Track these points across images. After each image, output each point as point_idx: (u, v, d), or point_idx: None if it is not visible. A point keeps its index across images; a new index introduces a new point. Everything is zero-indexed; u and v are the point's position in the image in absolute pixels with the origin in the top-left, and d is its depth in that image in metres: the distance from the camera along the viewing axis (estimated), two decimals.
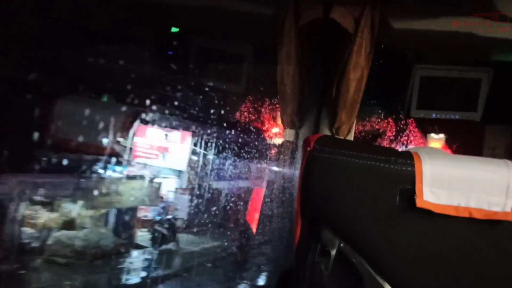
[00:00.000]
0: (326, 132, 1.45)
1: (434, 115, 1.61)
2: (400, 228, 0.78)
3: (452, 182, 0.75)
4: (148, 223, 4.71)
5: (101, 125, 2.46)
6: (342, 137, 1.41)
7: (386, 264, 0.78)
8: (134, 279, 3.82)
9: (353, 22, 1.31)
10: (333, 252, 0.80)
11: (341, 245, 0.80)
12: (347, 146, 0.83)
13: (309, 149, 0.82)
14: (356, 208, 0.79)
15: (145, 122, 3.22)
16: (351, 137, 1.47)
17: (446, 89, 1.57)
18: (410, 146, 2.32)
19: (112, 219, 4.16)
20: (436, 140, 2.06)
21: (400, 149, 0.84)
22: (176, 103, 2.93)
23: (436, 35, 1.37)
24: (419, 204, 0.74)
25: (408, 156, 0.78)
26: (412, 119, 1.89)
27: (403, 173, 0.76)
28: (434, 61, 1.55)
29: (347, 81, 1.34)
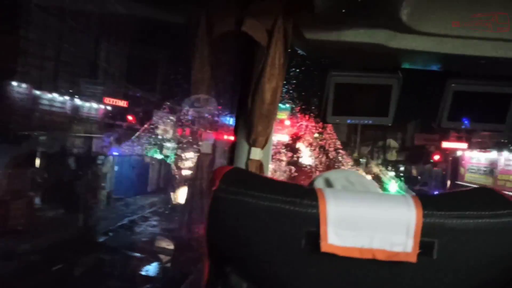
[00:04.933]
0: (244, 144, 1.54)
1: (349, 121, 1.75)
2: (306, 271, 0.81)
3: (357, 222, 0.78)
4: None
5: None
6: (256, 159, 1.51)
7: None
8: None
9: (266, 34, 1.40)
10: None
11: None
12: (254, 184, 0.85)
13: (214, 188, 0.83)
14: (263, 251, 0.81)
15: None
16: (269, 148, 1.56)
17: (360, 95, 1.72)
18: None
19: None
20: None
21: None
22: None
23: (348, 44, 1.50)
24: (323, 248, 0.76)
25: (313, 196, 0.80)
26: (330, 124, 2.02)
27: (308, 215, 0.78)
28: (348, 68, 1.68)
29: (262, 92, 1.44)
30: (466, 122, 1.76)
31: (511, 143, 19.96)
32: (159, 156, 21.10)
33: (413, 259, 0.77)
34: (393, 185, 23.27)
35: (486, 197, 0.86)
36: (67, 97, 16.18)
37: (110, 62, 17.60)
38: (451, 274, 0.81)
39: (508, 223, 0.79)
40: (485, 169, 21.25)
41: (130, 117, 20.42)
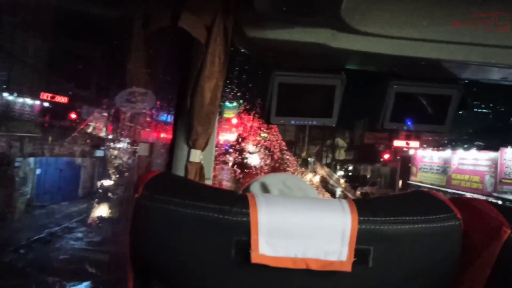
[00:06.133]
0: (183, 146, 1.56)
1: (293, 121, 1.83)
2: (237, 283, 0.81)
3: (290, 230, 0.78)
4: None
5: None
6: (196, 161, 1.53)
7: None
8: None
9: (205, 30, 1.43)
10: None
11: None
12: (182, 191, 0.85)
13: (136, 195, 0.82)
14: (190, 262, 0.81)
15: None
16: (211, 150, 1.59)
17: (304, 95, 1.79)
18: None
19: None
20: None
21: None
22: None
23: (291, 44, 1.55)
24: (254, 259, 0.77)
25: (245, 203, 0.80)
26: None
27: (238, 223, 0.78)
28: (291, 68, 1.74)
29: (202, 91, 1.47)
30: (408, 123, 1.89)
31: (465, 141, 20.69)
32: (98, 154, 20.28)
33: (348, 268, 0.78)
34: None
35: (422, 201, 0.89)
36: None
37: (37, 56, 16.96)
38: (387, 282, 0.83)
39: (444, 227, 0.83)
40: (438, 168, 21.60)
41: (73, 115, 19.60)
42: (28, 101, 17.31)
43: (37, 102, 17.88)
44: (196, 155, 1.54)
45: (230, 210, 0.79)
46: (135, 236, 0.83)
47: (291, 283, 0.81)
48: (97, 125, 19.86)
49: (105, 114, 19.52)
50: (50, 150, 17.91)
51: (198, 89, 1.47)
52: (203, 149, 1.55)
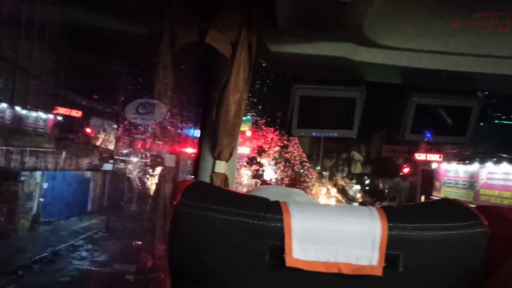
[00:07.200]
0: (208, 157, 1.67)
1: (314, 133, 1.93)
2: (270, 286, 0.88)
3: (321, 236, 0.85)
4: None
5: None
6: (221, 172, 1.63)
7: None
8: None
9: (230, 46, 1.55)
10: None
11: None
12: (217, 198, 0.92)
13: (175, 202, 0.89)
14: (225, 267, 0.88)
15: None
16: (234, 161, 1.69)
17: (324, 108, 1.89)
18: None
19: None
20: None
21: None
22: None
23: (313, 58, 1.65)
24: (288, 263, 0.82)
25: (277, 210, 0.86)
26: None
27: (272, 229, 0.85)
28: (312, 81, 1.84)
29: (227, 104, 1.58)
30: (428, 135, 1.97)
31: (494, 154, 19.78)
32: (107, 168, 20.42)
33: (379, 272, 0.84)
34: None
35: (449, 208, 0.94)
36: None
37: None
38: (416, 287, 0.89)
39: (471, 234, 0.87)
40: (464, 183, 21.06)
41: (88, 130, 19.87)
42: (42, 115, 17.59)
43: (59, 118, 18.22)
44: (221, 166, 1.65)
45: (264, 216, 0.85)
46: (173, 240, 0.89)
47: (322, 286, 0.87)
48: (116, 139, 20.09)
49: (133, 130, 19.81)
50: (60, 163, 17.95)
51: (224, 102, 1.58)
52: (227, 161, 1.66)
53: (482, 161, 20.47)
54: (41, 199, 17.33)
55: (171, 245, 0.89)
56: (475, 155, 21.10)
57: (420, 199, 24.67)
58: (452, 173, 22.26)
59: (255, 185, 19.68)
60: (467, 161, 21.52)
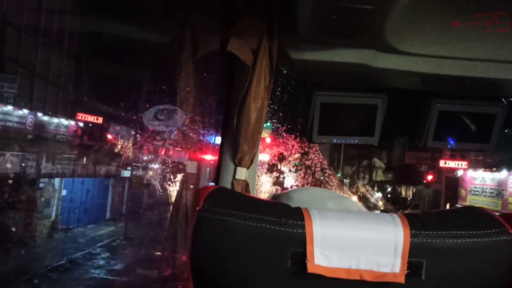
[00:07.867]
0: (229, 163, 1.71)
1: (335, 140, 1.95)
2: None
3: (343, 243, 0.85)
4: None
5: None
6: (242, 178, 1.67)
7: None
8: None
9: (251, 54, 1.59)
10: None
11: None
12: (239, 204, 0.94)
13: (198, 208, 0.91)
14: (247, 272, 0.89)
15: None
16: (255, 168, 1.72)
17: (346, 115, 1.91)
18: None
19: None
20: None
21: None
22: None
23: (333, 65, 1.68)
24: (310, 269, 0.83)
25: (299, 216, 0.88)
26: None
27: (294, 235, 0.86)
28: (333, 88, 1.86)
29: (248, 111, 1.62)
30: (451, 141, 1.98)
31: None
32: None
33: (401, 279, 0.84)
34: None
35: (473, 216, 0.95)
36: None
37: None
38: None
39: (495, 242, 0.87)
40: (491, 190, 20.44)
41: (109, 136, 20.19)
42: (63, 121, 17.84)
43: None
44: (242, 173, 1.69)
45: (286, 222, 0.86)
46: (196, 246, 0.91)
47: None
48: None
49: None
50: (79, 169, 18.14)
51: (245, 109, 1.62)
52: (248, 167, 1.69)
53: (510, 168, 19.96)
54: (59, 206, 17.50)
55: (194, 250, 0.91)
56: (502, 162, 20.67)
57: (444, 207, 24.25)
58: (478, 181, 21.64)
59: (276, 191, 19.68)
60: (494, 168, 20.99)
